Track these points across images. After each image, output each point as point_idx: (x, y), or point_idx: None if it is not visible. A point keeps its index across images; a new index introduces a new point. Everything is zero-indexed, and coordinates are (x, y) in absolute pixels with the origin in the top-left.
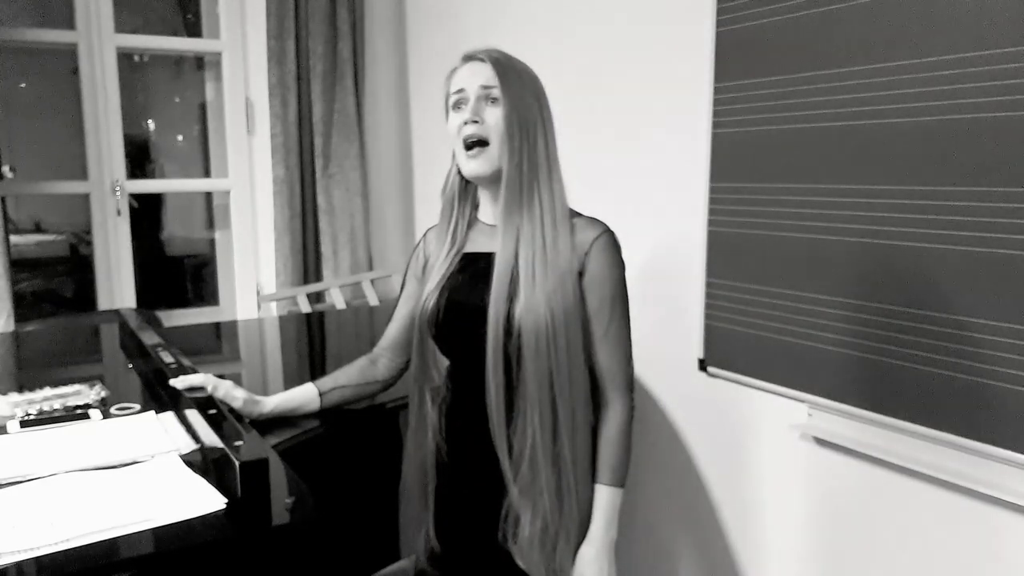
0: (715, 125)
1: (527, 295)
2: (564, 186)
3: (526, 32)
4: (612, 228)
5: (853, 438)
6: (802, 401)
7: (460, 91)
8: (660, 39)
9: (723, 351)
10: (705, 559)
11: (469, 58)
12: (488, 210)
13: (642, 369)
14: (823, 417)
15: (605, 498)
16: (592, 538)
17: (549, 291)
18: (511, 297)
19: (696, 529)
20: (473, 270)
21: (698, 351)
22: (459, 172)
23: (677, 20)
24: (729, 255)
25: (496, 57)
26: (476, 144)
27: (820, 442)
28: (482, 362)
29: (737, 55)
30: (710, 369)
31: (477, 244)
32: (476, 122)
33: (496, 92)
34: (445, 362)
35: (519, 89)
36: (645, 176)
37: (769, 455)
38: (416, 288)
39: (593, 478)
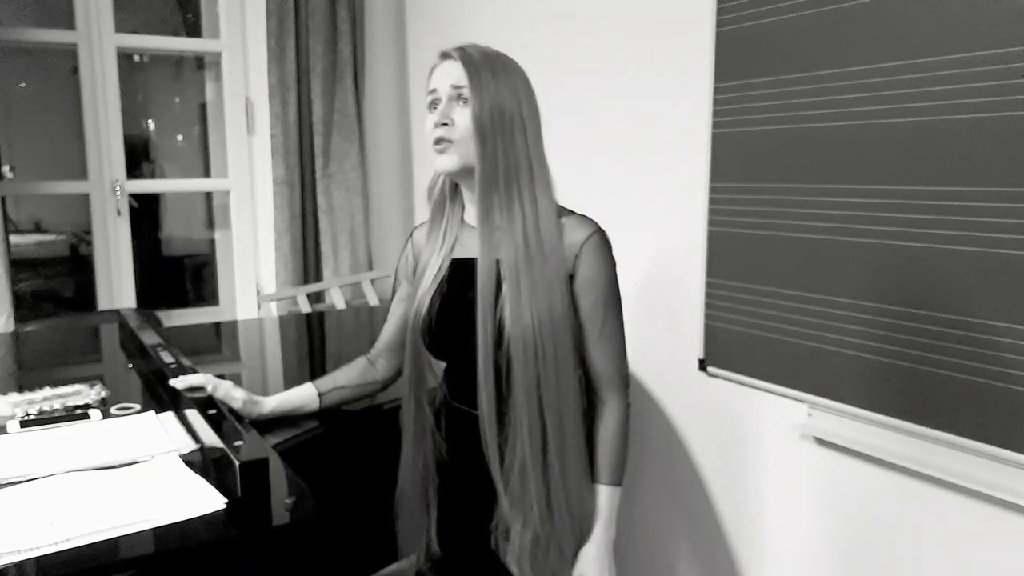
0: (715, 125)
1: (513, 303)
2: (552, 184)
3: (525, 31)
4: (604, 227)
5: (853, 438)
6: (802, 401)
7: (433, 91)
8: (660, 39)
9: (723, 351)
10: (704, 559)
11: (444, 56)
12: (472, 211)
13: (642, 369)
14: (823, 417)
15: (604, 497)
16: (593, 537)
17: (535, 298)
18: (499, 305)
19: (695, 529)
20: (462, 276)
21: (698, 351)
22: None
23: (677, 20)
24: (729, 255)
25: (468, 54)
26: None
27: (820, 442)
28: (476, 368)
29: (737, 55)
30: (710, 369)
31: (465, 248)
32: (445, 124)
33: (466, 92)
34: (440, 364)
35: (492, 87)
36: (645, 176)
37: (769, 455)
38: (408, 289)
39: (592, 479)
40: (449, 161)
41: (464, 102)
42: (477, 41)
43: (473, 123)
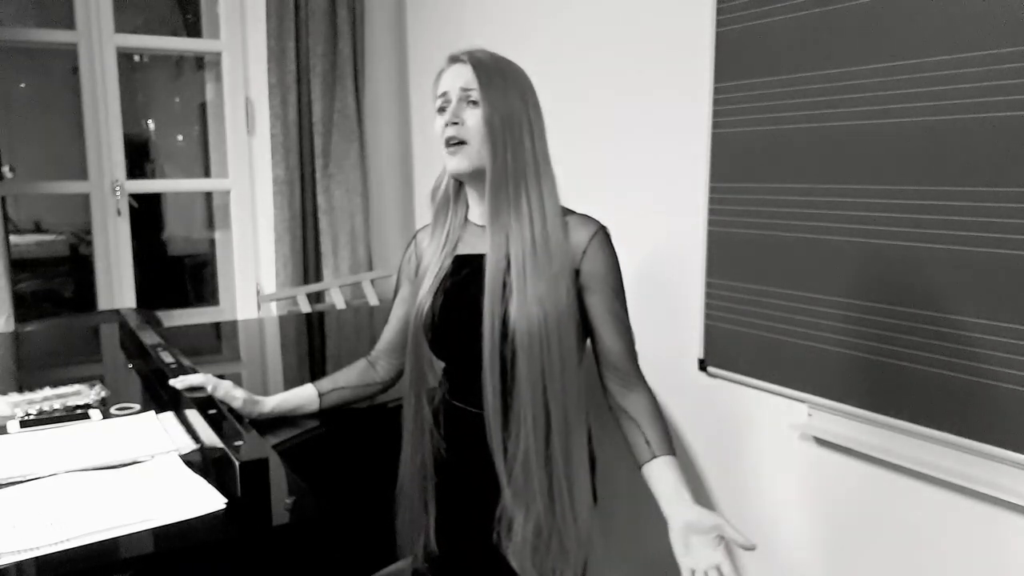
0: (715, 125)
1: (519, 297)
2: (556, 184)
3: (526, 32)
4: (607, 226)
5: (853, 438)
6: (802, 401)
7: (443, 95)
8: (660, 38)
9: (723, 351)
10: None
11: (453, 60)
12: (476, 211)
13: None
14: (823, 417)
15: (675, 466)
16: (685, 501)
17: (541, 293)
18: (505, 300)
19: None
20: (466, 272)
21: (698, 351)
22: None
23: (677, 20)
24: (729, 255)
25: (478, 58)
26: (456, 143)
27: (820, 442)
28: (478, 365)
29: (737, 55)
30: (710, 369)
31: (469, 245)
32: (456, 123)
33: (475, 95)
34: (440, 363)
35: (501, 90)
36: (645, 176)
37: (769, 455)
38: (410, 291)
39: (652, 456)
40: (461, 162)
41: (473, 104)
42: (478, 42)
43: (484, 125)
